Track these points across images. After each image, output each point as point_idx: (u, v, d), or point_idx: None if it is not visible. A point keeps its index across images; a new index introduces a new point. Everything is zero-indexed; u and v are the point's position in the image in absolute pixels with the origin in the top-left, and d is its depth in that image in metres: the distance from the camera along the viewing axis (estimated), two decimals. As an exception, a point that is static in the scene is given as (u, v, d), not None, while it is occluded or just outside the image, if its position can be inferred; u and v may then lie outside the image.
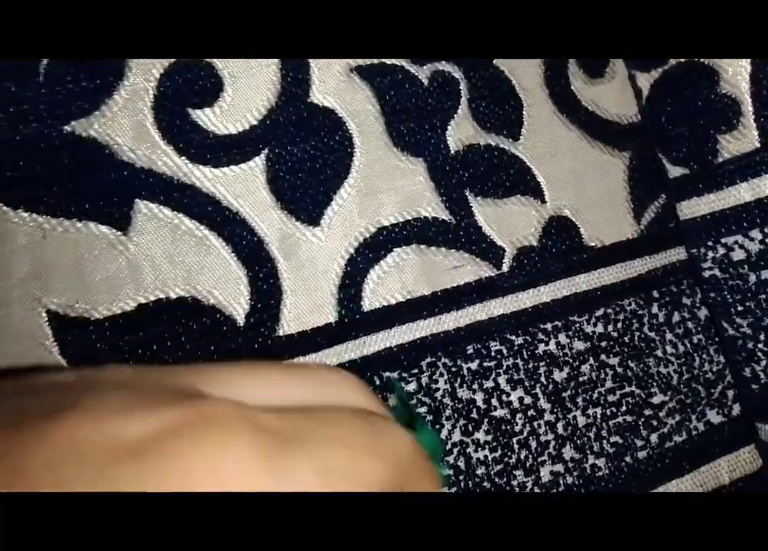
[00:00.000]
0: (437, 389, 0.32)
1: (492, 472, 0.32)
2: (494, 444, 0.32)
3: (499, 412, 0.33)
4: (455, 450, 0.32)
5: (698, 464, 0.36)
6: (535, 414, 0.33)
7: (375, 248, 0.32)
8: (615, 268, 0.36)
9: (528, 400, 0.33)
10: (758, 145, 0.36)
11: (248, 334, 0.30)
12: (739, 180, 0.36)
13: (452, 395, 0.32)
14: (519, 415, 0.33)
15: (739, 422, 0.37)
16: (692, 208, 0.38)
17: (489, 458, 0.32)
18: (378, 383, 0.31)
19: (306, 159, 0.32)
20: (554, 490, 0.33)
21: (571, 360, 0.34)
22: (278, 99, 0.31)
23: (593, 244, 0.36)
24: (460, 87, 0.35)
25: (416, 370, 0.32)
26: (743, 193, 0.36)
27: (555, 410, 0.33)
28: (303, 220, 0.31)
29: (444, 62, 0.35)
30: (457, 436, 0.32)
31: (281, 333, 0.30)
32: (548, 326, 0.34)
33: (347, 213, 0.32)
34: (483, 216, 0.34)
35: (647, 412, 0.35)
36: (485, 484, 0.32)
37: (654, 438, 0.35)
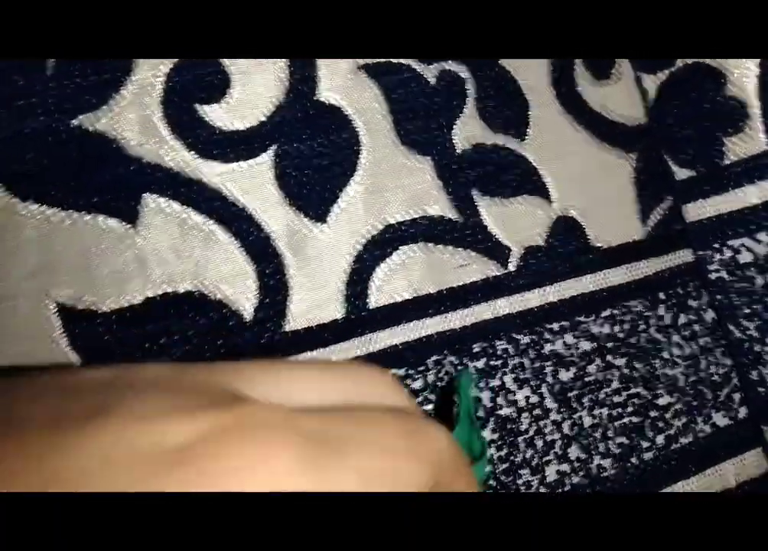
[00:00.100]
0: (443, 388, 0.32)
1: (497, 471, 0.32)
2: (500, 442, 0.32)
3: (505, 411, 0.32)
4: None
5: (704, 467, 0.36)
6: (541, 413, 0.33)
7: (381, 245, 0.32)
8: (621, 270, 0.36)
9: (534, 399, 0.33)
10: (765, 147, 0.36)
11: (255, 329, 0.29)
12: (746, 183, 0.36)
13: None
14: (525, 415, 0.33)
15: (745, 425, 0.37)
16: (699, 210, 0.38)
17: (495, 457, 0.32)
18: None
19: (313, 156, 0.32)
20: (560, 490, 0.32)
21: (577, 360, 0.34)
22: (285, 96, 0.32)
23: (599, 245, 0.36)
24: (467, 86, 0.35)
25: (422, 368, 0.31)
26: (749, 195, 0.36)
27: (561, 410, 0.33)
28: (310, 217, 0.31)
29: (451, 61, 0.35)
30: (462, 435, 0.32)
31: (287, 328, 0.30)
32: (555, 326, 0.34)
33: (354, 210, 0.32)
34: (489, 215, 0.34)
35: (653, 414, 0.35)
36: (490, 482, 0.31)
37: (660, 439, 0.35)
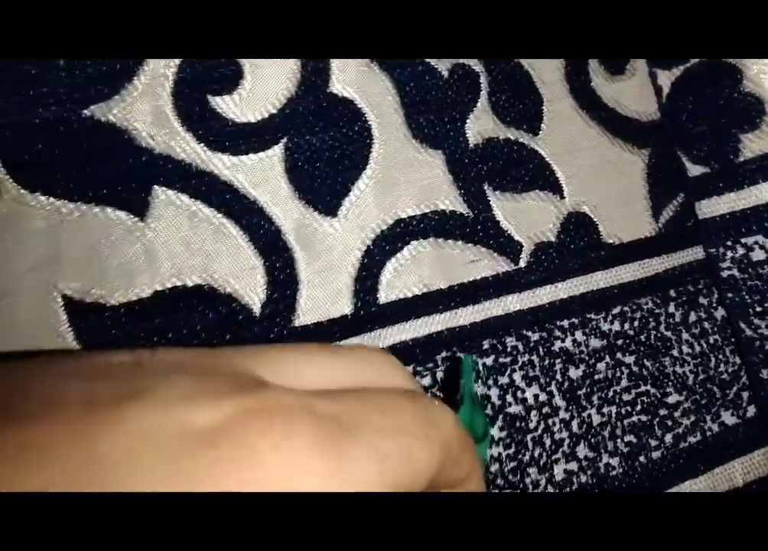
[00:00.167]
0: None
1: (505, 469, 0.31)
2: (508, 440, 0.32)
3: (514, 409, 0.32)
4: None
5: (712, 466, 0.36)
6: (549, 411, 0.33)
7: (392, 240, 0.32)
8: (633, 266, 0.36)
9: (543, 397, 0.33)
10: (781, 145, 0.35)
11: (264, 323, 0.29)
12: (760, 180, 0.36)
13: (467, 390, 0.32)
14: (533, 412, 0.32)
15: (753, 424, 0.37)
16: (712, 207, 0.37)
17: (503, 455, 0.31)
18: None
19: (324, 149, 0.31)
20: (568, 489, 0.32)
21: (586, 358, 0.34)
22: (297, 89, 0.31)
23: (611, 241, 0.36)
24: (480, 80, 0.35)
25: (431, 364, 0.31)
26: (764, 192, 0.36)
27: (570, 408, 0.33)
28: (320, 211, 0.31)
29: (464, 55, 0.34)
30: (470, 432, 0.31)
31: (296, 323, 0.30)
32: (565, 323, 0.34)
33: (365, 204, 0.32)
34: (501, 210, 0.34)
35: (662, 412, 0.35)
36: (498, 480, 0.31)
37: (668, 438, 0.35)
